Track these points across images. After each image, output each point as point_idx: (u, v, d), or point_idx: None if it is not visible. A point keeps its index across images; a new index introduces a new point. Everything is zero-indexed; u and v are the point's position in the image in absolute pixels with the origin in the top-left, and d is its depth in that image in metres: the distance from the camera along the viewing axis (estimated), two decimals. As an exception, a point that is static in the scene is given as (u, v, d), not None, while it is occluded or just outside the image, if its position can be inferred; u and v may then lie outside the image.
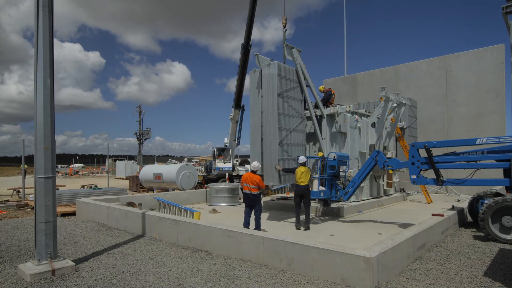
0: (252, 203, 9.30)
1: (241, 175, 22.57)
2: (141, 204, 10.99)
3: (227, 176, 21.51)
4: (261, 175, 12.14)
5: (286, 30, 13.73)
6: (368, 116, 15.03)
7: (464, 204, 11.43)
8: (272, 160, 11.07)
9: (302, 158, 10.11)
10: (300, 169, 9.87)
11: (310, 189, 10.12)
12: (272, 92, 11.16)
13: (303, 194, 9.85)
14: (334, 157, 10.69)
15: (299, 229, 9.82)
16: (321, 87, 14.01)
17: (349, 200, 13.29)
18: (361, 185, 13.89)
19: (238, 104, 22.03)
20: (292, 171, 10.24)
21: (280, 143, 11.12)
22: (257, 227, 9.12)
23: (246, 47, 19.60)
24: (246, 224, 9.21)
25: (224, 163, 22.68)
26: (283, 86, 11.48)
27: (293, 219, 11.15)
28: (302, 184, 9.79)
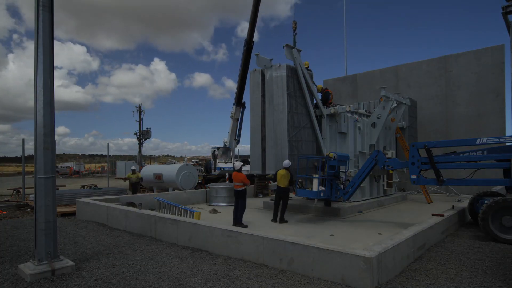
0: (237, 199, 10.27)
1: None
2: (141, 204, 10.98)
3: (227, 176, 21.50)
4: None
5: (296, 33, 14.01)
6: (368, 116, 15.03)
7: (464, 204, 11.42)
8: (283, 157, 11.48)
9: (286, 162, 10.86)
10: (280, 172, 10.76)
11: (294, 192, 11.19)
12: (282, 92, 11.64)
13: (281, 196, 10.77)
14: (333, 157, 10.69)
15: (275, 222, 10.74)
16: (319, 86, 14.01)
17: (349, 200, 13.30)
18: (361, 185, 13.92)
19: (239, 101, 21.98)
20: (275, 176, 10.92)
21: (290, 140, 11.54)
22: (239, 219, 10.15)
23: (249, 43, 19.55)
24: (234, 220, 10.09)
25: (226, 163, 22.65)
26: (292, 86, 11.93)
27: (293, 219, 11.24)
28: (281, 186, 10.72)
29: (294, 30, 14.10)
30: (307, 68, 13.15)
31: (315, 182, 10.54)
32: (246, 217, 12.05)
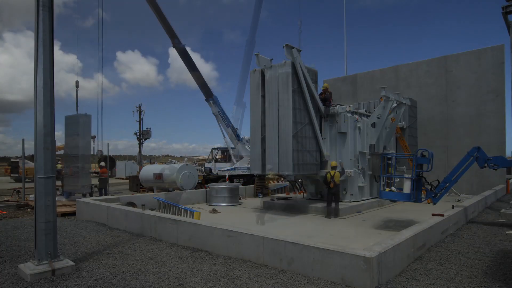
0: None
1: (243, 175, 22.56)
2: (144, 204, 11.02)
3: (227, 176, 21.50)
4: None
5: (301, 31, 14.17)
6: (368, 116, 15.03)
7: (465, 204, 11.41)
8: (287, 152, 11.63)
9: (332, 163, 11.77)
10: (331, 173, 11.63)
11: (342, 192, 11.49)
12: (287, 88, 11.76)
13: (334, 193, 11.63)
14: (422, 154, 9.60)
15: (329, 218, 11.50)
16: (325, 85, 13.98)
17: (349, 200, 13.31)
18: (361, 185, 13.93)
19: (239, 101, 21.99)
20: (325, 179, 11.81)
21: (294, 135, 11.64)
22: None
23: (251, 43, 19.60)
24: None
25: (226, 162, 22.63)
26: (296, 84, 12.04)
27: (293, 219, 11.26)
28: (331, 186, 11.54)
29: (300, 28, 14.27)
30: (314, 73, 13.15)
31: (407, 183, 9.38)
32: (246, 217, 12.06)
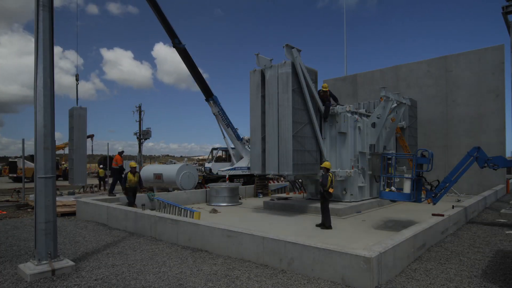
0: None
1: (243, 175, 22.56)
2: (144, 205, 11.04)
3: (227, 176, 21.51)
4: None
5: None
6: (368, 116, 15.03)
7: (465, 204, 11.42)
8: (287, 152, 11.60)
9: (328, 164, 10.08)
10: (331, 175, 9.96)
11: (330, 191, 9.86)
12: (287, 88, 11.76)
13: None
14: (422, 154, 9.59)
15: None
16: (324, 85, 13.94)
17: (349, 200, 13.32)
18: (361, 185, 13.94)
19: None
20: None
21: (294, 135, 11.63)
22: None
23: (179, 43, 19.08)
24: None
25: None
26: (296, 84, 12.06)
27: (293, 219, 11.24)
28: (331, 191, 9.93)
29: None
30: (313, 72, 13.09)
31: (407, 183, 9.35)
32: (246, 217, 12.06)
